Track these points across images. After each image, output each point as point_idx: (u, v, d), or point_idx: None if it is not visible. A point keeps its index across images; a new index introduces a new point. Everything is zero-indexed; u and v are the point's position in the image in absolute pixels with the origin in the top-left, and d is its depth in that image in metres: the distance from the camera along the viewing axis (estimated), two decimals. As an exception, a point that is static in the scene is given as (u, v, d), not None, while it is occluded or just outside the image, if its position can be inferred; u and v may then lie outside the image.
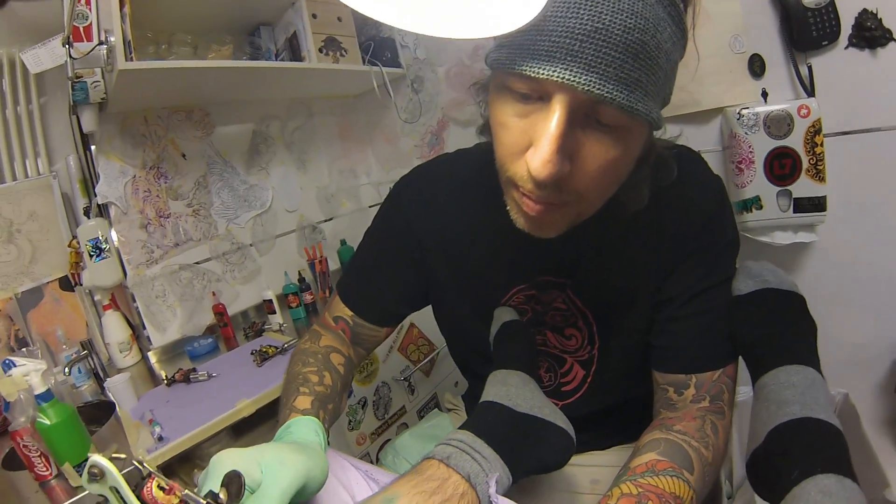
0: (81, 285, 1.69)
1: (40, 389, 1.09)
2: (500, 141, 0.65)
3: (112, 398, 1.46)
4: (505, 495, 0.61)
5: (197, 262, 1.92)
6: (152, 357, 1.80)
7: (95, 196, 1.69)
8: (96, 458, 0.44)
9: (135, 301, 1.75)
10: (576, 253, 0.83)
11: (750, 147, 1.45)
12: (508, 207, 0.70)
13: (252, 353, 1.59)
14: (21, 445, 1.10)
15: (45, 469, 1.13)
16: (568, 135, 0.56)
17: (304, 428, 0.70)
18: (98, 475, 0.44)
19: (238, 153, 2.08)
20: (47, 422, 1.08)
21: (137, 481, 0.45)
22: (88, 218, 1.68)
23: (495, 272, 0.89)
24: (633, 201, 0.74)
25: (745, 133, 1.44)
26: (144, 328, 1.77)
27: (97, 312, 1.75)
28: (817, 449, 0.60)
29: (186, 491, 0.45)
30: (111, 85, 1.48)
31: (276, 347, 1.62)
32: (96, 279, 1.67)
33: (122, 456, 0.44)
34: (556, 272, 0.85)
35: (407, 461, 1.27)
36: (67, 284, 1.73)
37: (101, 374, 1.63)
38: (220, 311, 1.85)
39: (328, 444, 0.73)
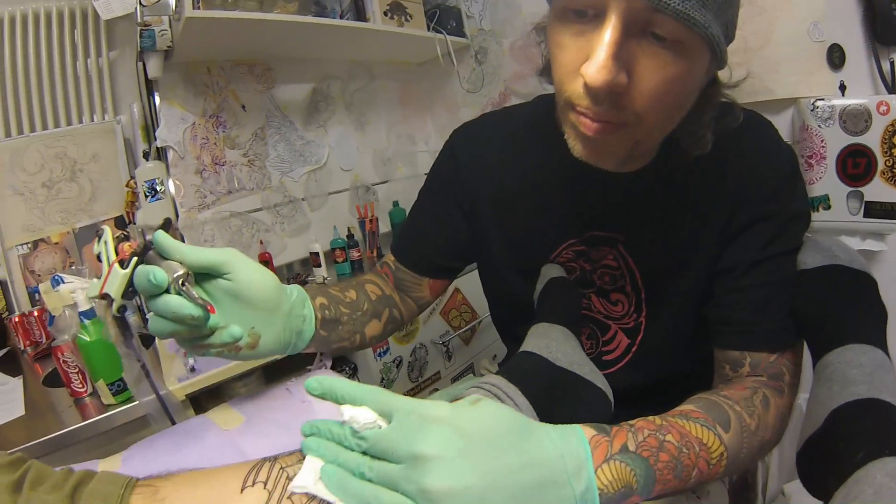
0: (135, 224, 1.76)
1: (84, 307, 1.14)
2: (558, 62, 0.63)
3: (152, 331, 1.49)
4: None
5: (248, 211, 1.95)
6: None
7: (155, 140, 1.74)
8: (105, 227, 0.67)
9: (184, 240, 1.77)
10: (630, 206, 0.79)
11: (822, 141, 1.33)
12: (566, 136, 0.67)
13: None
14: (61, 361, 1.16)
15: (80, 386, 1.19)
16: (623, 45, 0.55)
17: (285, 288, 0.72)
18: (101, 233, 0.64)
19: (297, 109, 2.10)
20: (87, 338, 1.13)
21: (119, 241, 0.63)
22: (147, 161, 1.74)
23: (545, 226, 0.85)
24: (695, 145, 0.70)
25: (819, 126, 1.33)
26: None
27: (146, 247, 1.79)
28: (886, 431, 0.54)
29: (133, 242, 0.63)
30: (177, 33, 1.53)
31: None
32: (149, 219, 1.71)
33: (126, 232, 0.53)
34: (609, 227, 0.81)
35: None
36: (122, 224, 1.81)
37: (145, 310, 1.67)
38: (265, 259, 1.87)
39: (302, 299, 0.74)
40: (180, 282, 0.57)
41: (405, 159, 2.45)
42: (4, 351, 1.56)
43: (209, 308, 0.58)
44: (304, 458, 0.48)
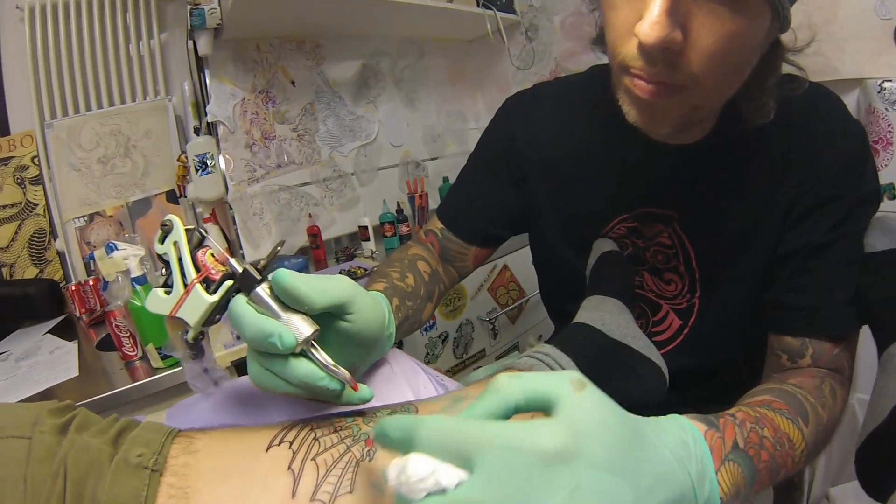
0: (185, 197, 1.81)
1: (136, 273, 1.16)
2: (611, 24, 0.61)
3: None
4: None
5: (297, 185, 1.97)
6: None
7: (206, 116, 1.77)
8: (171, 215, 0.50)
9: (233, 213, 1.83)
10: (687, 182, 0.74)
11: (889, 126, 1.26)
12: (620, 102, 0.65)
13: (340, 273, 1.60)
14: (114, 325, 1.19)
15: (131, 349, 1.22)
16: (677, 1, 0.52)
17: (372, 296, 0.62)
18: (168, 227, 0.49)
19: (346, 85, 2.10)
20: (139, 303, 1.16)
21: (196, 246, 0.49)
22: (197, 136, 1.77)
23: (598, 200, 0.82)
24: (756, 113, 0.66)
25: (886, 109, 1.25)
26: (241, 245, 1.85)
27: (198, 224, 1.81)
28: None
29: (233, 260, 0.47)
30: (227, 11, 1.57)
31: (366, 269, 1.63)
32: (199, 192, 1.76)
33: (192, 227, 0.49)
34: (664, 203, 0.77)
35: None
36: (173, 198, 1.86)
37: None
38: (314, 232, 1.88)
39: (391, 318, 0.66)
40: (311, 344, 0.46)
41: (455, 136, 2.44)
42: (62, 318, 1.61)
43: (353, 386, 0.48)
44: (336, 428, 0.47)
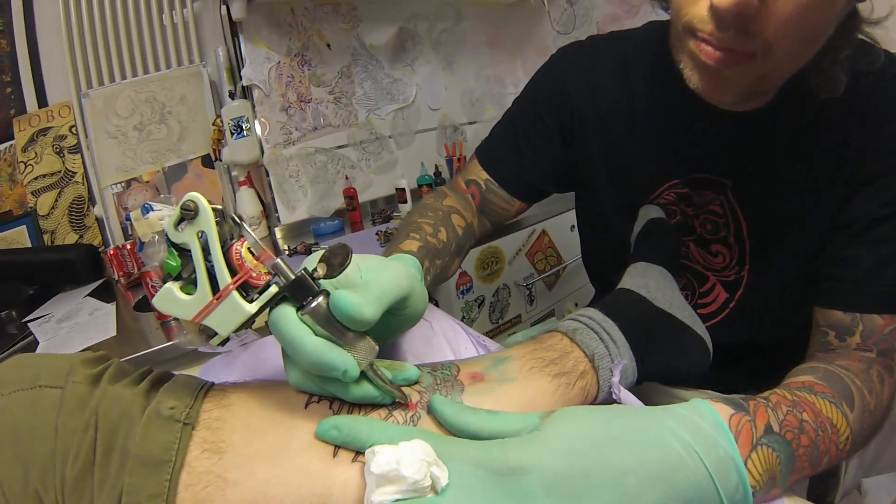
0: (221, 161, 1.80)
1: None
2: None
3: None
4: None
5: (333, 148, 1.94)
6: (278, 233, 1.88)
7: (240, 80, 1.76)
8: (194, 194, 0.36)
9: (268, 175, 1.82)
10: (744, 150, 0.70)
11: None
12: (682, 66, 0.61)
13: (377, 234, 1.58)
14: (150, 286, 1.19)
15: None
16: None
17: (403, 260, 0.61)
18: (192, 211, 0.36)
19: (383, 48, 2.06)
20: (174, 263, 1.13)
21: (226, 238, 0.38)
22: (232, 100, 1.76)
23: (648, 163, 0.79)
24: (826, 87, 0.61)
25: None
26: (276, 208, 1.84)
27: (233, 188, 1.85)
28: None
29: (279, 260, 0.37)
30: None
31: None
32: (235, 155, 1.75)
33: (219, 207, 0.38)
34: (718, 170, 0.73)
35: None
36: (209, 162, 1.85)
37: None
38: (350, 194, 1.86)
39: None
40: (373, 366, 0.41)
41: (494, 101, 2.39)
42: (101, 281, 1.63)
43: (409, 406, 0.44)
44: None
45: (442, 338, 0.66)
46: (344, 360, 0.38)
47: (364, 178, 2.01)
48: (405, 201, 1.91)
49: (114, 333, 1.21)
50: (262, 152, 1.79)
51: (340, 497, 0.38)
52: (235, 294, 0.37)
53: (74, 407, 0.38)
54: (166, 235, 0.39)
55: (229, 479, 0.37)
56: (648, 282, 0.63)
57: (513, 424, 0.40)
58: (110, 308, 1.38)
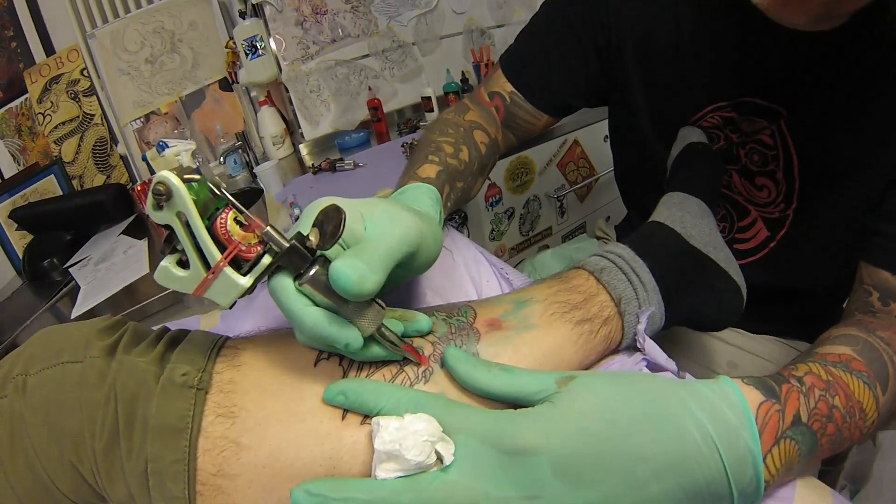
0: (238, 83, 1.77)
1: (190, 167, 1.14)
2: None
3: (260, 184, 1.55)
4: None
5: (354, 59, 1.86)
6: (303, 149, 1.85)
7: (250, -2, 1.68)
8: (165, 174, 0.32)
9: (288, 93, 1.78)
10: (806, 77, 0.62)
11: None
12: None
13: (403, 146, 1.53)
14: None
15: None
16: None
17: (418, 193, 0.57)
18: (163, 195, 0.32)
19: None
20: (195, 197, 1.13)
21: (211, 211, 0.34)
22: (244, 20, 1.69)
23: (693, 82, 0.71)
24: None
25: None
26: (299, 125, 1.81)
27: (253, 108, 1.82)
28: None
29: (269, 228, 0.34)
30: None
31: None
32: (252, 76, 1.71)
33: (197, 177, 0.34)
34: (773, 95, 0.64)
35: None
36: (227, 85, 1.82)
37: (254, 165, 1.71)
38: (374, 105, 1.80)
39: (442, 218, 0.60)
40: (381, 329, 0.39)
41: (523, 2, 2.20)
42: (132, 217, 1.66)
43: (420, 360, 0.43)
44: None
45: (463, 270, 0.64)
46: (345, 334, 0.37)
47: (388, 88, 1.92)
48: (431, 110, 1.83)
49: (146, 271, 1.24)
50: (280, 70, 1.74)
51: (349, 460, 0.38)
52: (227, 270, 0.35)
53: (95, 381, 0.38)
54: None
55: (243, 443, 0.38)
56: (685, 216, 0.58)
57: (527, 386, 0.39)
58: (142, 245, 1.41)
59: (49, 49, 1.67)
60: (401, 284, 0.54)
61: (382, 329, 0.39)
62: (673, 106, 0.74)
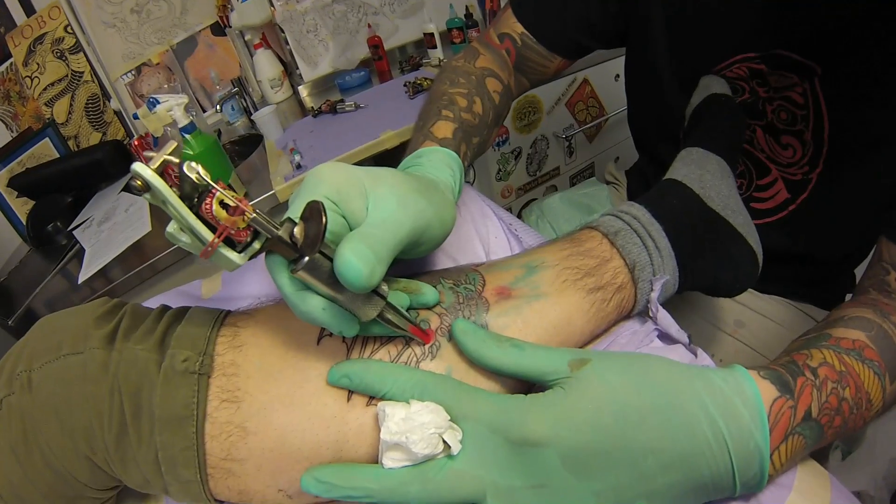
0: (231, 27, 1.71)
1: (184, 122, 1.11)
2: None
3: (260, 130, 1.52)
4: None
5: (352, -5, 1.76)
6: (303, 91, 1.81)
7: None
8: (137, 166, 0.30)
9: (284, 33, 1.72)
10: (848, 34, 0.56)
11: None
12: None
13: (405, 85, 1.49)
14: (173, 177, 1.15)
15: None
16: None
17: (437, 161, 0.53)
18: (142, 189, 0.31)
19: None
20: (192, 152, 1.12)
21: (198, 193, 0.32)
22: (232, -42, 1.62)
23: (722, 27, 0.66)
24: None
25: None
26: (297, 66, 1.75)
27: (249, 52, 1.76)
28: None
29: (256, 214, 0.32)
30: None
31: (432, 80, 1.50)
32: (245, 18, 1.65)
33: (175, 160, 0.32)
34: (809, 50, 0.59)
35: (551, 226, 1.14)
36: (219, 30, 1.76)
37: (253, 111, 1.67)
38: (375, 43, 1.74)
39: (461, 186, 0.57)
40: (383, 314, 0.37)
41: None
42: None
43: (426, 340, 0.41)
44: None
45: (470, 225, 0.61)
46: (338, 323, 0.35)
47: (389, 25, 1.84)
48: (434, 46, 1.75)
49: (149, 229, 1.23)
50: (274, 10, 1.67)
51: (355, 443, 0.38)
52: (222, 249, 0.33)
53: (97, 374, 0.38)
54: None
55: (249, 428, 0.38)
56: (704, 174, 0.54)
57: (539, 366, 0.38)
58: (143, 202, 1.40)
59: (29, 9, 1.61)
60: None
61: (384, 313, 0.37)
62: (697, 52, 0.69)
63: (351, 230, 0.36)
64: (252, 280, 0.63)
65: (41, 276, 1.32)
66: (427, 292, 0.42)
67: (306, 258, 0.32)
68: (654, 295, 0.46)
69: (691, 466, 0.34)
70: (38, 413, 0.38)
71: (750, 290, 0.79)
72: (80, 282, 1.18)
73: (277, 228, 0.33)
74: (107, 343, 0.40)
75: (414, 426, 0.34)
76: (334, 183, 0.36)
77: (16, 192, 1.63)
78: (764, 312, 0.77)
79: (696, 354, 0.46)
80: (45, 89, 1.66)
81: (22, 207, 1.66)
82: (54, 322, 0.43)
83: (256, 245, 0.34)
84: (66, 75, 1.66)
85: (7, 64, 1.66)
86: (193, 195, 0.32)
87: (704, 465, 0.34)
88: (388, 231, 0.35)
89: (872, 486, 0.99)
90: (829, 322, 0.49)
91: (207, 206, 0.32)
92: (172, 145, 0.32)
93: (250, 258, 0.34)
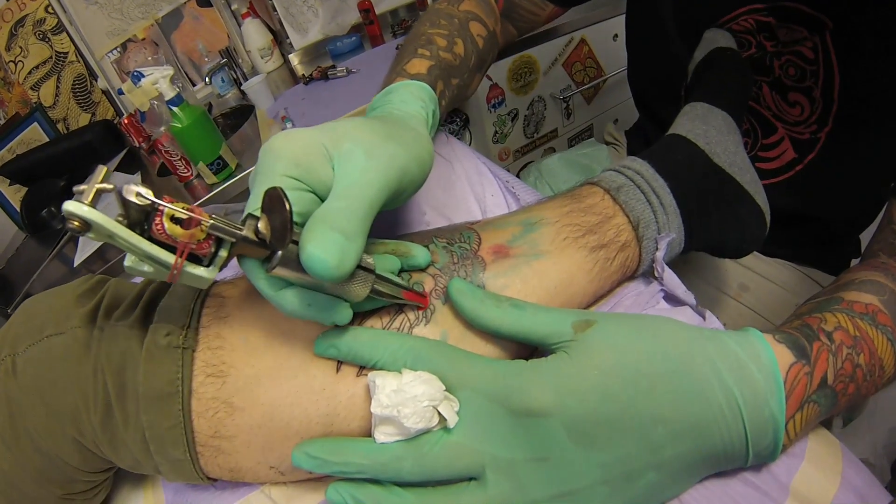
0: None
1: (170, 94, 1.09)
2: None
3: (251, 100, 1.50)
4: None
5: (341, -45, 1.71)
6: (294, 59, 1.78)
7: None
8: (68, 205, 0.27)
9: (273, 1, 1.68)
10: None
11: None
12: None
13: (398, 49, 1.46)
14: (164, 152, 1.17)
15: (185, 171, 1.20)
16: None
17: (407, 95, 0.50)
18: (81, 229, 0.27)
19: None
20: (180, 125, 1.10)
21: (143, 218, 0.29)
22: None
23: None
24: None
25: None
26: (287, 35, 1.72)
27: (237, 22, 1.72)
28: None
29: (213, 220, 0.29)
30: None
31: None
32: None
33: (109, 187, 0.27)
34: (820, 2, 0.57)
35: (550, 187, 1.12)
36: (204, 1, 1.71)
37: (243, 82, 1.63)
38: (365, 7, 1.68)
39: (437, 119, 0.53)
40: (375, 288, 0.35)
41: None
42: (124, 152, 1.61)
43: (423, 303, 0.38)
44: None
45: (465, 183, 0.59)
46: (328, 315, 0.33)
47: None
48: (426, 8, 1.72)
49: (144, 202, 1.21)
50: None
51: (346, 415, 0.36)
52: (188, 268, 0.30)
53: (79, 354, 0.37)
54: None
55: (235, 404, 0.36)
56: (709, 130, 0.52)
57: (541, 327, 0.35)
58: (136, 178, 1.39)
59: (6, -9, 1.56)
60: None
61: (376, 287, 0.35)
62: (702, 3, 0.66)
63: (324, 202, 0.33)
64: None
65: (38, 261, 1.30)
66: (417, 253, 0.40)
67: (279, 253, 0.30)
68: (660, 254, 0.44)
69: (703, 436, 0.32)
70: (23, 397, 0.37)
71: (754, 253, 0.77)
72: (75, 265, 1.17)
73: (240, 229, 0.30)
74: (88, 321, 0.39)
75: (406, 398, 0.32)
76: (291, 156, 0.33)
77: (8, 181, 1.60)
78: (768, 276, 0.76)
79: (703, 317, 0.45)
80: (29, 73, 1.62)
81: (15, 195, 1.64)
82: (37, 304, 0.42)
83: (223, 253, 0.31)
84: (51, 57, 1.62)
85: (-12, 50, 1.61)
86: (141, 219, 0.28)
87: (717, 435, 0.32)
88: (355, 199, 0.32)
89: (872, 454, 0.99)
90: (840, 285, 0.47)
91: (159, 227, 0.28)
92: (102, 171, 0.28)
93: (220, 269, 0.31)
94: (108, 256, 1.14)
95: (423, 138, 0.42)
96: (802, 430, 0.36)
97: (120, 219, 0.27)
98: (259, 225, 0.30)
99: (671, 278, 0.45)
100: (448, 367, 0.34)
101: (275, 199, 0.29)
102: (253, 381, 0.36)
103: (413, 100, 0.49)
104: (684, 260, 0.78)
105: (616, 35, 1.61)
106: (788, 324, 0.40)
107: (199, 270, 0.30)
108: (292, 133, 0.34)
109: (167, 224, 0.28)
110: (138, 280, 0.45)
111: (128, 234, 0.28)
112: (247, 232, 0.30)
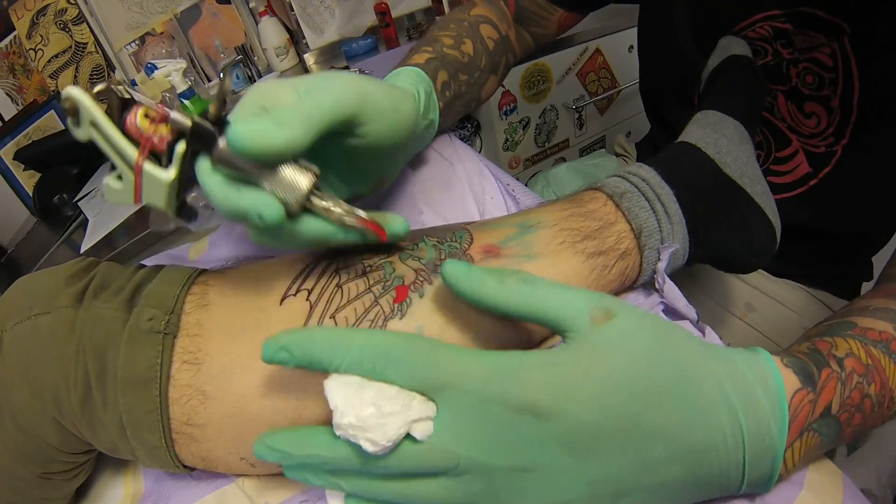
0: (112, 76, 1.67)
1: (182, 87, 1.10)
2: None
3: None
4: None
5: (358, -42, 1.73)
6: (309, 59, 1.78)
7: None
8: (67, 89, 0.32)
9: (290, 1, 1.70)
10: None
11: None
12: None
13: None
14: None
15: None
16: None
17: (398, 77, 0.51)
18: (71, 111, 0.32)
19: None
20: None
21: (122, 115, 0.33)
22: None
23: None
24: None
25: None
26: (303, 35, 1.73)
27: (254, 20, 1.74)
28: None
29: (174, 115, 0.32)
30: None
31: None
32: None
33: (102, 86, 0.33)
34: (837, 7, 0.55)
35: (556, 196, 1.10)
36: None
37: (258, 79, 1.66)
38: (382, 9, 1.69)
39: (430, 104, 0.53)
40: (311, 199, 0.34)
41: None
42: (136, 145, 1.62)
43: (381, 234, 0.37)
44: (365, 269, 0.38)
45: (465, 184, 0.59)
46: (252, 201, 0.32)
47: None
48: (443, 13, 1.71)
49: (152, 198, 1.21)
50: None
51: (315, 409, 0.36)
52: (147, 166, 0.33)
53: (63, 333, 0.37)
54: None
55: (208, 392, 0.36)
56: (720, 139, 0.50)
57: (555, 307, 0.32)
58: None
59: (31, -19, 1.59)
60: (376, 183, 0.48)
61: (315, 199, 0.34)
62: (717, 10, 0.65)
63: None
64: (239, 241, 0.61)
65: (46, 246, 1.32)
66: (394, 221, 0.38)
67: (220, 140, 0.32)
68: (662, 265, 0.43)
69: (700, 462, 0.30)
70: (8, 375, 0.37)
71: (762, 271, 0.75)
72: (81, 251, 1.18)
73: (190, 119, 0.32)
74: (75, 302, 0.39)
75: (369, 425, 0.28)
76: (261, 89, 0.35)
77: (22, 166, 1.62)
78: (777, 297, 0.74)
79: (703, 333, 0.43)
80: (49, 61, 1.64)
81: (29, 180, 1.66)
82: (29, 282, 0.42)
83: (180, 148, 0.33)
84: (70, 47, 1.64)
85: (11, 37, 1.64)
86: (120, 116, 0.32)
87: (715, 462, 0.30)
88: (307, 103, 0.33)
89: (876, 484, 0.96)
90: (853, 310, 0.44)
91: (132, 120, 0.32)
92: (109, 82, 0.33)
93: (179, 167, 0.33)
94: (116, 244, 1.15)
95: (405, 94, 0.42)
96: (801, 461, 0.34)
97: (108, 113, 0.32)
98: (209, 107, 0.33)
99: (672, 291, 0.43)
100: (427, 365, 0.30)
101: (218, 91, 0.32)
102: (227, 370, 0.36)
103: (403, 79, 0.51)
104: (690, 274, 0.76)
105: (631, 46, 1.60)
106: (797, 346, 0.38)
107: (158, 171, 0.33)
108: (274, 79, 0.38)
109: (139, 118, 0.32)
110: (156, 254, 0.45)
111: (105, 120, 0.32)
112: (197, 118, 0.32)
